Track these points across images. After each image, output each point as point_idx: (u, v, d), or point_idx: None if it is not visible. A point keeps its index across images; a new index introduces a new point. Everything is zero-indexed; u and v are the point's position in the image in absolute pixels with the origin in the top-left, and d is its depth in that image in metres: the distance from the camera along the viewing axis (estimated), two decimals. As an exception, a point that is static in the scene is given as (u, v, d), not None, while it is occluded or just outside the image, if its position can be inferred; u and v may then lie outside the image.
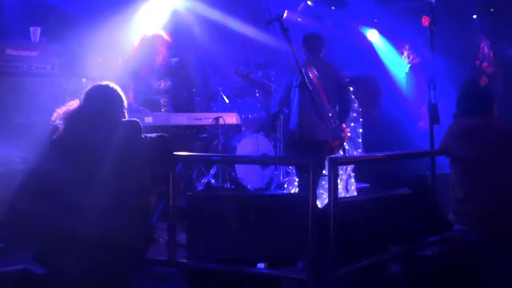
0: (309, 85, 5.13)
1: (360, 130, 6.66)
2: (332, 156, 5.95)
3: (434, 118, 4.86)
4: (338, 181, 6.40)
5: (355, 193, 6.94)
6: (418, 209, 4.31)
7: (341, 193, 6.46)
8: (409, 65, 7.81)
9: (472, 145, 3.91)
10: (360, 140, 6.68)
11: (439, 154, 4.33)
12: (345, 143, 5.87)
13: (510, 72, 7.56)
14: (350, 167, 6.66)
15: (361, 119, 6.62)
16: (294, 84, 5.66)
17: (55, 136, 3.55)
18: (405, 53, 7.06)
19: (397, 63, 8.43)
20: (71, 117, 3.59)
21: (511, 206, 3.74)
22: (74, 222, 3.29)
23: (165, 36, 6.32)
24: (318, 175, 5.49)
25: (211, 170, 6.97)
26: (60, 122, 3.59)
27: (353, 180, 6.84)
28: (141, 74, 6.12)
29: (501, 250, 3.61)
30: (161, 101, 6.29)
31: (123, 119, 3.69)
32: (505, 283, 3.51)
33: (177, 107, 6.57)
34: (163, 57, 6.28)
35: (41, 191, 3.48)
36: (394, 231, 4.07)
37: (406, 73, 7.83)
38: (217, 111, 7.30)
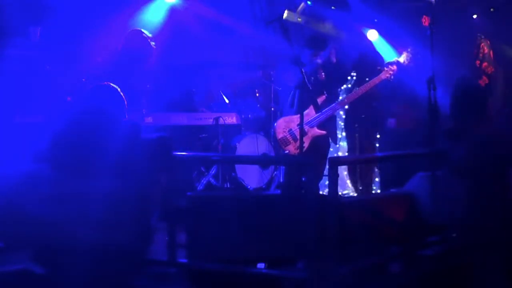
0: (309, 85, 5.14)
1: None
2: (333, 156, 6.00)
3: (434, 118, 4.86)
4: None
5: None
6: (417, 209, 4.31)
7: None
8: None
9: (453, 149, 3.90)
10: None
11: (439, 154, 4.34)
12: None
13: (510, 72, 7.56)
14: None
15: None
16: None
17: (54, 137, 3.56)
18: (405, 55, 6.99)
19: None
20: (71, 118, 3.60)
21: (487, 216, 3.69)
22: (73, 222, 3.29)
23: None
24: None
25: (211, 170, 6.97)
26: (60, 122, 3.59)
27: None
28: (130, 74, 5.33)
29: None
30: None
31: (123, 120, 3.70)
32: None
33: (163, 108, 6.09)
34: (153, 58, 5.59)
35: (40, 191, 3.48)
36: (394, 231, 4.07)
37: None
38: (217, 111, 7.30)
